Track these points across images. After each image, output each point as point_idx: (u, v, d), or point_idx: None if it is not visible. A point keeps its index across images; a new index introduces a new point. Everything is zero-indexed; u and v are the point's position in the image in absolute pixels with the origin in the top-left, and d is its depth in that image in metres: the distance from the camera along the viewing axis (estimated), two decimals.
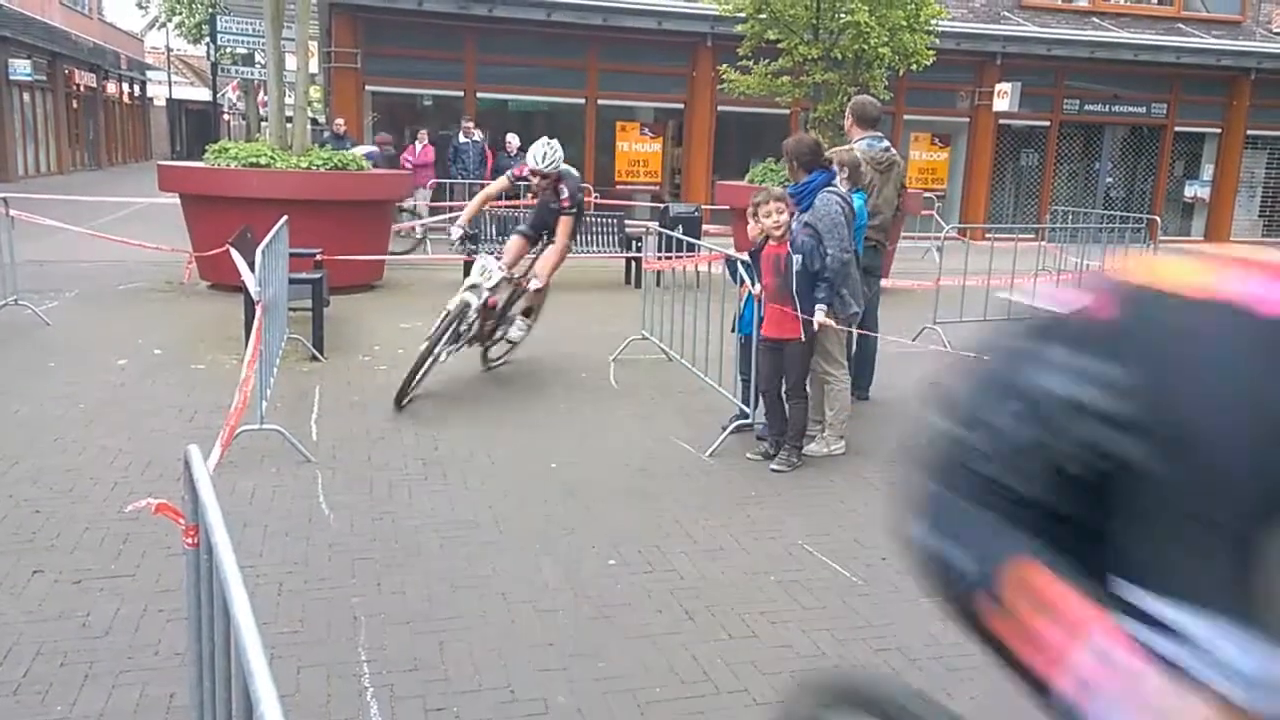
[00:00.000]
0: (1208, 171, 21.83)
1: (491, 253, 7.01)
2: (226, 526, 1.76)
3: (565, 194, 6.71)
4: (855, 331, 5.97)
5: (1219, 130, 21.46)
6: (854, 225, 5.54)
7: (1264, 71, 20.61)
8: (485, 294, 6.37)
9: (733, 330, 6.01)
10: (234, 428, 4.81)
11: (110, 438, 5.34)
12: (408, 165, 15.29)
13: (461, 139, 15.75)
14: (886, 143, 6.66)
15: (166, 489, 4.52)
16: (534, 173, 6.68)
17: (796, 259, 5.17)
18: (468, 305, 6.31)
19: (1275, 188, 22.43)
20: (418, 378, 6.12)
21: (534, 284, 6.71)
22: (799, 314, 5.20)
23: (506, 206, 13.87)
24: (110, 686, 3.04)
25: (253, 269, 5.39)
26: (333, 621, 3.49)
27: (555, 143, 6.74)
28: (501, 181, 7.01)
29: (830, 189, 5.45)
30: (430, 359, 6.16)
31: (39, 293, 9.19)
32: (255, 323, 5.12)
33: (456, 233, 6.79)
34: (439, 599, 3.70)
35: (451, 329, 6.24)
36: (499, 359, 7.29)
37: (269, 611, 3.53)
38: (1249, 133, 21.38)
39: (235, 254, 6.10)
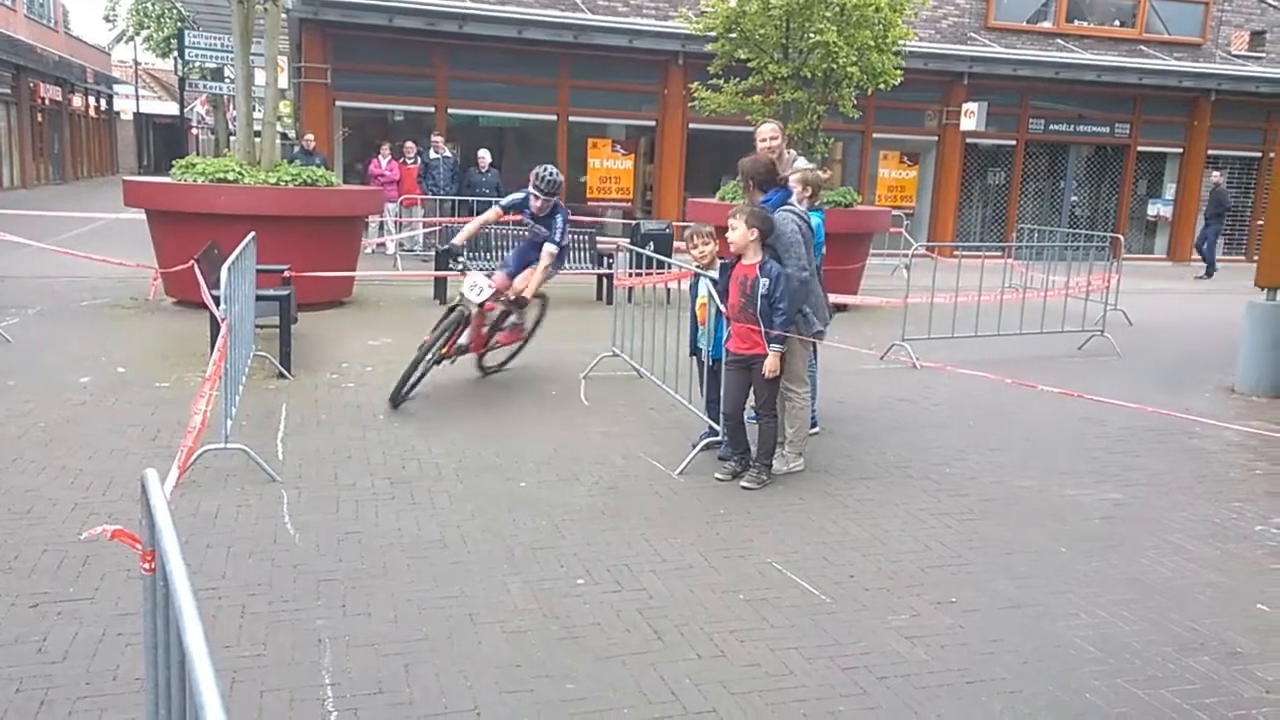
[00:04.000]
0: (1170, 190, 22.22)
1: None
2: (189, 548, 1.73)
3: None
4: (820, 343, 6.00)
5: (1180, 150, 21.85)
6: (813, 243, 5.56)
7: (1223, 93, 21.03)
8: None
9: (691, 354, 6.01)
10: (192, 449, 4.75)
11: (70, 458, 5.25)
12: (378, 180, 15.23)
13: (431, 155, 15.72)
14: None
15: (128, 510, 4.46)
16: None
17: (764, 282, 5.19)
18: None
19: (1235, 207, 22.82)
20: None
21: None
22: (763, 335, 5.21)
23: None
24: (67, 713, 2.98)
25: (218, 285, 5.34)
26: (297, 644, 3.45)
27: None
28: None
29: (787, 207, 5.45)
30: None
31: None
32: (219, 342, 5.06)
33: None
34: (405, 620, 3.66)
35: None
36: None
37: (231, 634, 3.48)
38: (1209, 152, 21.78)
39: (199, 273, 6.04)
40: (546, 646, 3.51)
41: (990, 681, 3.41)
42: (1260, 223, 20.15)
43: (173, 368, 7.30)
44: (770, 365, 5.22)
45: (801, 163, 6.30)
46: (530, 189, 6.95)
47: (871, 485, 5.45)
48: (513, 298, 7.05)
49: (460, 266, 7.11)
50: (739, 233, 5.23)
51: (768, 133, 6.20)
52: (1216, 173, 19.33)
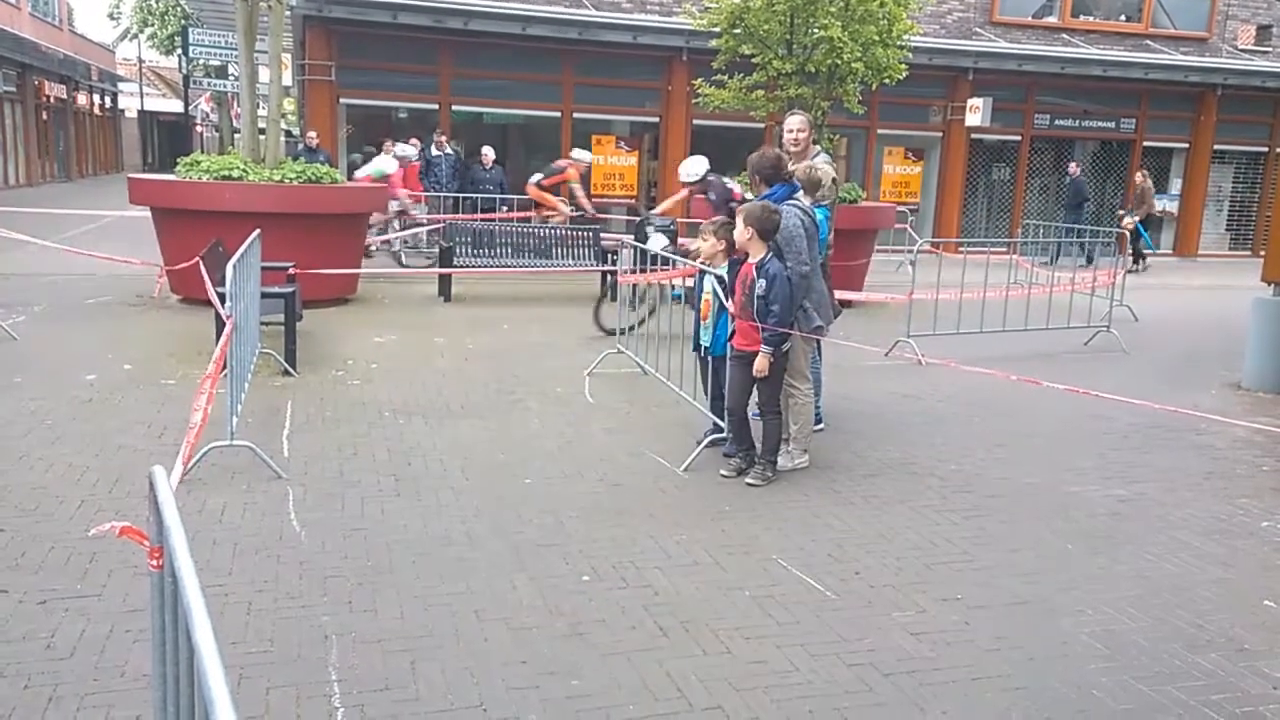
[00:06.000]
0: (1176, 186, 22.15)
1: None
2: (195, 545, 1.74)
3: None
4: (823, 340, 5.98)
5: (1187, 145, 21.78)
6: (816, 238, 5.55)
7: (1230, 87, 20.95)
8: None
9: (694, 349, 6.01)
10: (194, 445, 4.76)
11: (77, 455, 5.26)
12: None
13: (434, 152, 15.72)
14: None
15: (135, 507, 4.47)
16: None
17: (760, 283, 5.18)
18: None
19: (1242, 202, 22.78)
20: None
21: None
22: (761, 334, 5.20)
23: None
24: (75, 710, 2.99)
25: (224, 282, 5.34)
26: (303, 641, 3.45)
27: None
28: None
29: (792, 202, 5.44)
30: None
31: (5, 307, 9.07)
32: (221, 339, 5.07)
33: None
34: (411, 617, 3.66)
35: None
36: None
37: (238, 631, 3.49)
38: (1216, 147, 21.71)
39: (204, 271, 6.05)
40: (552, 643, 3.52)
41: (996, 678, 3.41)
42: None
43: (179, 365, 7.32)
44: (758, 365, 5.20)
45: (820, 160, 6.21)
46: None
47: (877, 482, 5.45)
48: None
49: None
50: (736, 230, 5.25)
51: (795, 124, 6.15)
52: (1074, 164, 19.43)
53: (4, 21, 26.78)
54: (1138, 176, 18.89)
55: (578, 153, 14.90)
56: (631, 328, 7.84)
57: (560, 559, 4.23)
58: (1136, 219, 17.80)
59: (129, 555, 3.89)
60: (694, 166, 9.12)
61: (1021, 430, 6.64)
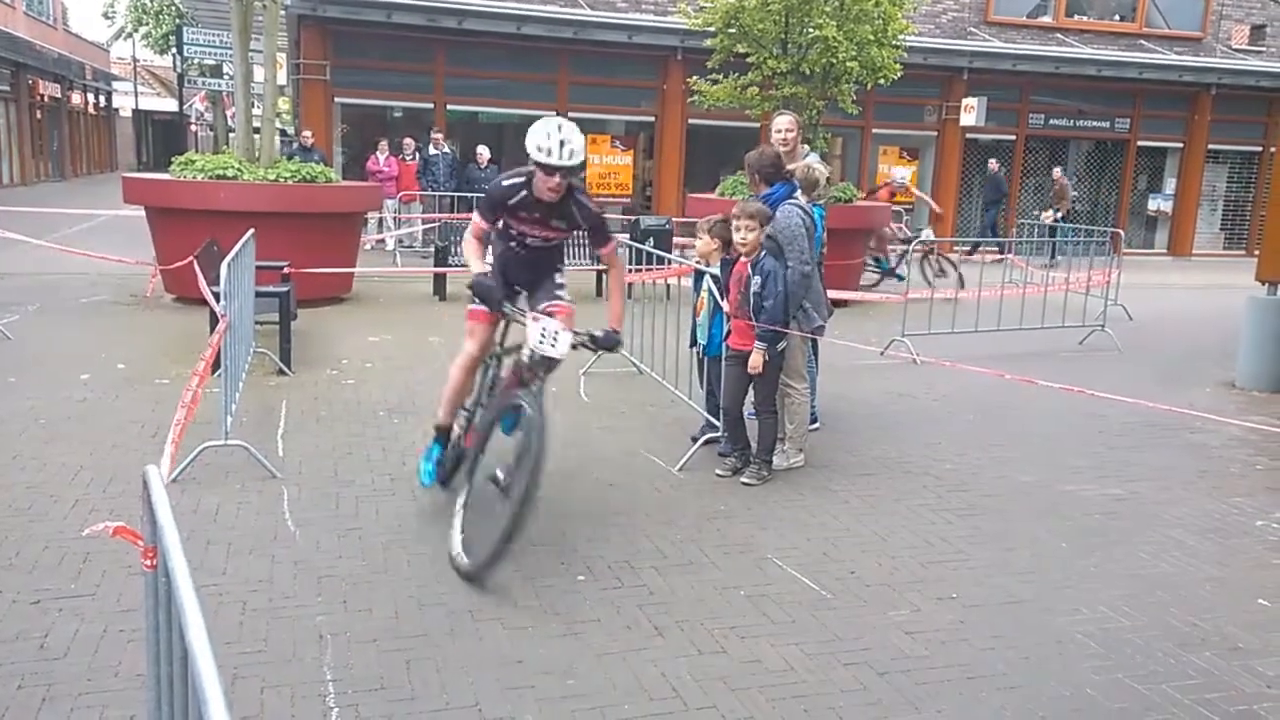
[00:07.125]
0: (1170, 185, 22.20)
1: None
2: (189, 544, 1.73)
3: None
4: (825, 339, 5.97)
5: (1181, 145, 21.83)
6: (814, 237, 5.55)
7: (1224, 87, 21.00)
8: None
9: (691, 345, 6.01)
10: (179, 441, 4.75)
11: (71, 455, 5.25)
12: (376, 176, 15.23)
13: (431, 151, 15.71)
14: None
15: (128, 506, 4.46)
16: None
17: (756, 280, 5.17)
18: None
19: (1236, 201, 22.84)
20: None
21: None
22: (758, 334, 5.20)
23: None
24: (69, 710, 2.98)
25: (218, 281, 5.33)
26: (298, 640, 3.45)
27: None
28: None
29: (792, 201, 5.45)
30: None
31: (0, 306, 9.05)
32: (213, 337, 5.06)
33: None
34: (406, 616, 3.66)
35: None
36: None
37: (232, 631, 3.48)
38: (1210, 147, 21.76)
39: (198, 270, 6.04)
40: (547, 643, 3.51)
41: (991, 677, 3.41)
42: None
43: (173, 364, 7.29)
44: (752, 362, 5.20)
45: (813, 159, 6.21)
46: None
47: (872, 481, 5.45)
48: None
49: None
50: (753, 234, 5.16)
51: (784, 125, 6.15)
52: (993, 160, 19.54)
53: None
54: (1055, 172, 19.13)
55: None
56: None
57: (555, 558, 4.23)
58: (1058, 215, 17.98)
59: (123, 555, 3.87)
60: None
61: (1016, 429, 6.64)
